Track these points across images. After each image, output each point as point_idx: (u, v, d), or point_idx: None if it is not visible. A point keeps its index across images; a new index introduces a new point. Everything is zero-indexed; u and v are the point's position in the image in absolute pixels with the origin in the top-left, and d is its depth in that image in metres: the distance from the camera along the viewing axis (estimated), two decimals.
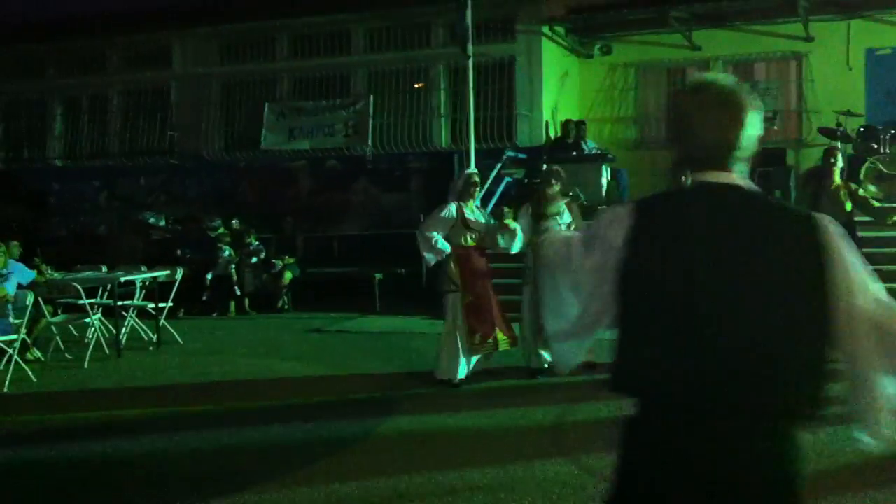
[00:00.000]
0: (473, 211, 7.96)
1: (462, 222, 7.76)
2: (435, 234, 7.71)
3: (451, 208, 7.73)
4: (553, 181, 8.10)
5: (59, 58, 18.60)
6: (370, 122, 15.56)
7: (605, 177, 13.79)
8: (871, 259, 7.65)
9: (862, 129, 12.76)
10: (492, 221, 8.13)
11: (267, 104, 16.38)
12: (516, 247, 8.12)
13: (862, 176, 12.13)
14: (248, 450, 5.97)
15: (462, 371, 7.70)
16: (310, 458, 5.77)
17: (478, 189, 8.30)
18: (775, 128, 15.55)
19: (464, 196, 7.89)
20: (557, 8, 15.52)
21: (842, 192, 8.34)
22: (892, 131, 12.39)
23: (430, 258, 7.83)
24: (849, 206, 8.29)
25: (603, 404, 6.93)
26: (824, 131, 13.19)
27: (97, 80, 18.27)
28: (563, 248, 2.40)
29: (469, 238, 7.82)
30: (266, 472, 5.49)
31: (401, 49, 16.01)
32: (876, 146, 12.39)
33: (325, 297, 13.27)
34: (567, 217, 8.06)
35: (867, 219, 8.75)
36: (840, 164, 8.49)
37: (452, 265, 7.65)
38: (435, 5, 14.98)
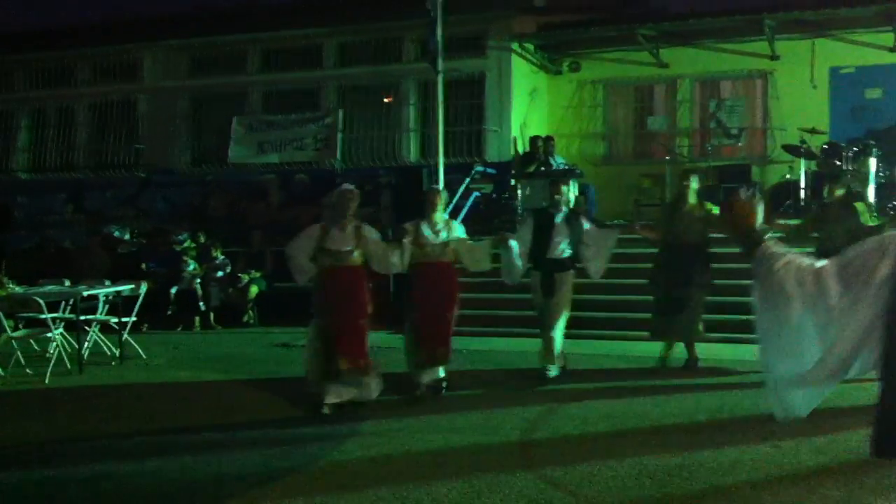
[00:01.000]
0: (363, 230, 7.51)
1: (319, 242, 7.29)
2: (299, 256, 7.31)
3: (314, 229, 7.28)
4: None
5: (26, 69, 18.43)
6: (340, 136, 15.54)
7: (574, 192, 13.86)
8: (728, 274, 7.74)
9: (826, 147, 12.94)
10: (477, 239, 8.33)
11: (235, 118, 16.32)
12: (514, 276, 8.39)
13: (826, 193, 12.27)
14: (210, 468, 5.87)
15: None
16: (272, 476, 5.70)
17: (439, 204, 8.01)
18: (740, 144, 15.78)
19: (336, 216, 7.36)
20: (527, 25, 15.63)
21: (696, 214, 8.81)
22: (855, 149, 12.57)
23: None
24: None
25: (569, 419, 6.95)
26: (789, 148, 13.37)
27: (64, 92, 18.13)
28: (810, 279, 2.10)
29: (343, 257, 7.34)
30: (227, 491, 5.41)
31: (371, 64, 16.03)
32: (839, 163, 12.56)
33: (292, 311, 13.14)
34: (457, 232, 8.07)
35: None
36: (694, 185, 8.89)
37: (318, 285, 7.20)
38: (405, 20, 15.02)
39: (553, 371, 8.43)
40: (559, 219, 8.48)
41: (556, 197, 8.58)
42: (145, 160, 17.18)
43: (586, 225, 8.58)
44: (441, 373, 7.95)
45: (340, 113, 15.68)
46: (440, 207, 8.03)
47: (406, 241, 7.69)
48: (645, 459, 5.75)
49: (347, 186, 7.52)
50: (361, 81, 16.05)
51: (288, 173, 15.43)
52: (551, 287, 8.37)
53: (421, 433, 6.70)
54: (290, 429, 6.88)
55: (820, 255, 8.22)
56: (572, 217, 8.56)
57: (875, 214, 9.53)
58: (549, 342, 8.44)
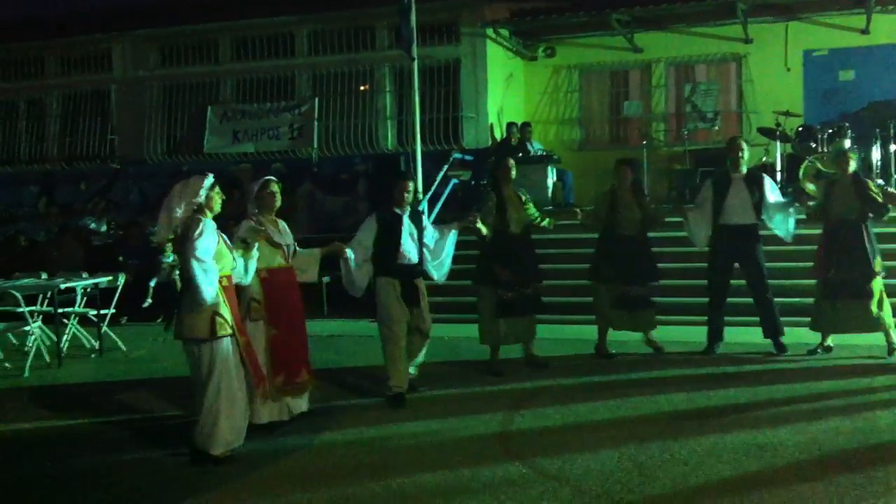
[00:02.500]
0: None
1: (267, 240, 6.48)
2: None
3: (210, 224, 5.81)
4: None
5: None
6: (315, 124, 15.46)
7: (551, 178, 13.90)
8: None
9: (800, 129, 13.03)
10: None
11: (210, 107, 16.19)
12: (356, 287, 7.33)
13: (801, 175, 12.39)
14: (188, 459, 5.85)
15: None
16: (256, 465, 5.69)
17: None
18: (716, 128, 15.86)
19: (263, 207, 6.67)
20: (500, 11, 15.58)
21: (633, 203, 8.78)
22: (830, 131, 12.68)
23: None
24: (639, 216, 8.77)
25: (552, 408, 6.98)
26: (764, 131, 13.45)
27: (35, 83, 17.89)
28: None
29: (279, 258, 6.61)
30: (210, 481, 5.40)
31: (345, 51, 15.92)
32: (814, 145, 12.66)
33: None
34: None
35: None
36: (630, 176, 8.81)
37: (221, 301, 5.73)
38: (379, 8, 14.93)
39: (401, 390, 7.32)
40: (407, 219, 7.50)
41: (405, 195, 7.48)
42: (118, 151, 17.01)
43: (428, 224, 7.77)
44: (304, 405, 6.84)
45: (316, 101, 15.59)
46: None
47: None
48: (628, 446, 5.80)
49: (271, 177, 6.91)
50: (335, 69, 15.95)
51: (263, 163, 15.33)
52: (414, 295, 7.44)
53: (401, 421, 6.71)
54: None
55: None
56: (416, 216, 7.64)
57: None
58: (399, 361, 7.32)
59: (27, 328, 9.64)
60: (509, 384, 7.83)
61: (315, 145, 15.39)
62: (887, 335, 8.34)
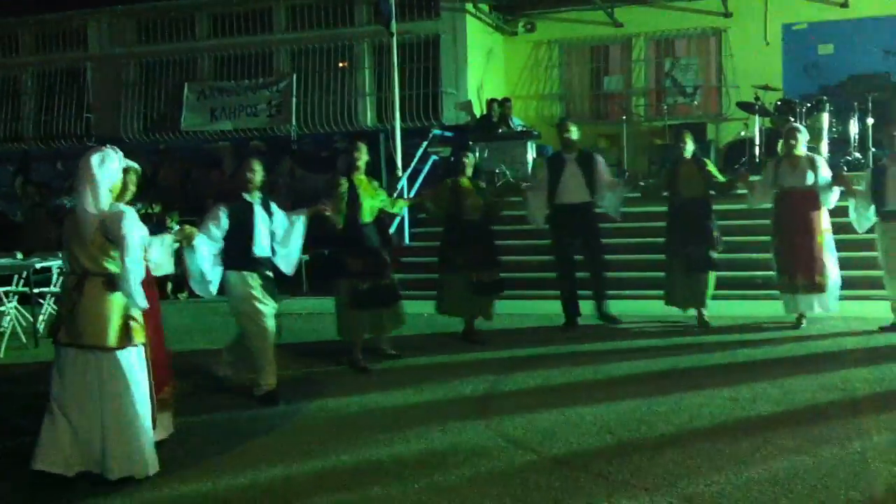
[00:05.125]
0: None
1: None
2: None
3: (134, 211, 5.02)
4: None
5: None
6: (294, 101, 15.34)
7: (532, 154, 13.86)
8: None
9: (779, 103, 13.02)
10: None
11: (187, 84, 16.03)
12: (206, 288, 6.49)
13: (780, 149, 12.38)
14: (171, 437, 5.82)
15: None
16: (232, 442, 5.67)
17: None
18: (695, 103, 15.85)
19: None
20: None
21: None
22: (809, 105, 12.68)
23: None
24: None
25: (531, 380, 6.99)
26: (743, 106, 13.44)
27: (9, 61, 17.70)
28: None
29: None
30: (187, 457, 5.37)
31: (323, 27, 15.80)
32: (793, 119, 12.65)
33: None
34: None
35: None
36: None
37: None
38: None
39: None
40: (258, 207, 6.71)
41: (249, 174, 6.66)
42: (94, 130, 16.84)
43: (277, 211, 6.91)
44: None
45: (294, 78, 15.46)
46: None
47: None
48: (604, 414, 5.81)
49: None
50: (314, 45, 15.82)
51: (242, 140, 15.22)
52: (272, 292, 6.73)
53: (378, 393, 6.71)
54: (245, 396, 6.83)
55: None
56: (267, 202, 6.79)
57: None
58: (270, 357, 6.70)
59: (2, 308, 9.54)
60: (486, 354, 7.87)
61: (294, 122, 15.27)
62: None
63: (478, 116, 15.07)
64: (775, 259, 8.76)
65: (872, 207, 8.34)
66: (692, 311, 8.93)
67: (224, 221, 6.49)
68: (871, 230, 8.58)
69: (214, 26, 16.51)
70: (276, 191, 13.90)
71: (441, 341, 8.68)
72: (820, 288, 8.40)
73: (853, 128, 12.56)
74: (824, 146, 12.23)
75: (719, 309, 9.14)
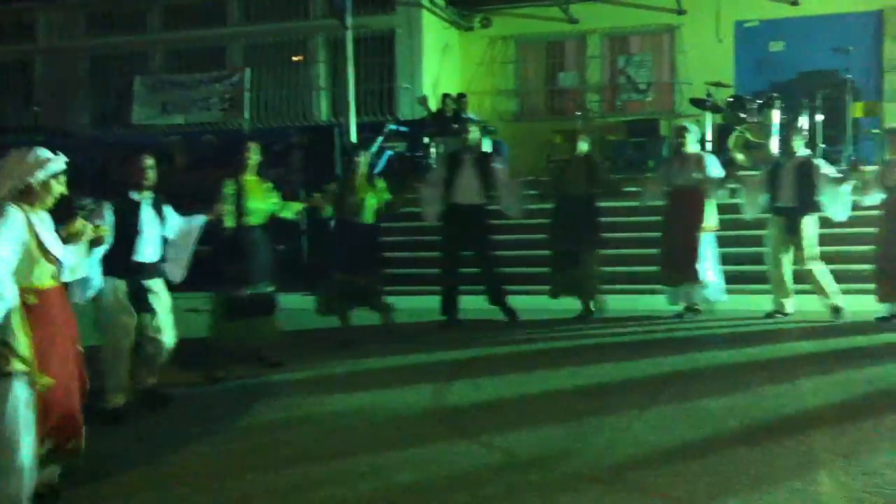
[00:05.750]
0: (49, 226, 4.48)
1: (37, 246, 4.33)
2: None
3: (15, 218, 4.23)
4: None
5: None
6: (247, 95, 15.16)
7: (487, 149, 13.83)
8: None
9: (731, 100, 13.15)
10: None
11: (137, 77, 15.78)
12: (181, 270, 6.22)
13: (731, 145, 12.53)
14: (113, 435, 5.69)
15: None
16: (185, 441, 5.55)
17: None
18: (649, 99, 15.97)
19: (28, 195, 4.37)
20: None
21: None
22: (760, 101, 12.81)
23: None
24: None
25: (485, 378, 6.95)
26: (695, 102, 13.55)
27: None
28: None
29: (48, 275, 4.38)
30: (136, 457, 5.26)
31: (277, 21, 15.65)
32: (744, 116, 12.79)
33: (202, 275, 12.84)
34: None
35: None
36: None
37: (15, 326, 4.16)
38: None
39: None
40: (147, 206, 6.04)
41: (145, 175, 6.02)
42: (43, 123, 16.51)
43: (170, 213, 6.28)
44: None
45: (248, 72, 15.28)
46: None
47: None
48: (562, 415, 5.79)
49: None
50: (268, 39, 15.67)
51: (194, 134, 15.02)
52: (144, 300, 6.06)
53: (334, 395, 6.60)
54: (198, 389, 6.72)
55: None
56: (158, 203, 6.16)
57: None
58: (122, 375, 6.04)
59: None
60: (441, 354, 7.81)
61: (247, 116, 15.11)
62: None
63: (433, 111, 15.02)
64: (660, 253, 9.00)
65: (764, 198, 8.72)
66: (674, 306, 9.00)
67: (109, 220, 5.75)
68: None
69: (167, 19, 16.27)
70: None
71: (398, 336, 8.61)
72: (696, 280, 8.62)
73: (803, 124, 12.71)
74: (774, 142, 12.38)
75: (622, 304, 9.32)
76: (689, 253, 8.57)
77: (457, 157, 9.00)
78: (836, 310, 8.43)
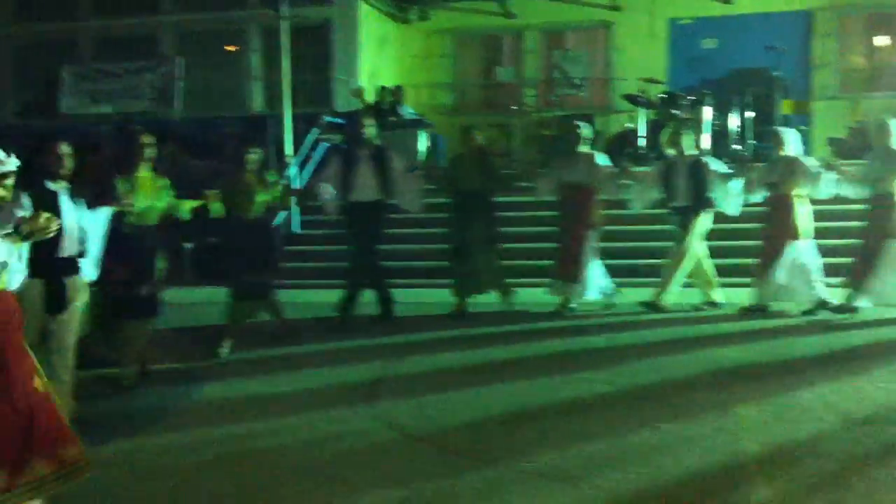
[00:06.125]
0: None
1: None
2: None
3: None
4: None
5: None
6: (179, 84, 14.88)
7: (424, 142, 13.80)
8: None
9: (664, 96, 13.31)
10: None
11: (65, 66, 15.37)
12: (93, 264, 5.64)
13: (663, 140, 12.66)
14: None
15: None
16: (105, 435, 5.43)
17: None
18: (584, 95, 16.08)
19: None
20: None
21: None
22: (692, 98, 12.99)
23: None
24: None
25: (414, 367, 6.96)
26: (629, 98, 13.69)
27: None
28: None
29: None
30: None
31: (211, 9, 15.38)
32: (676, 112, 12.95)
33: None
34: None
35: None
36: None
37: None
38: None
39: None
40: (65, 198, 5.47)
41: (61, 163, 5.49)
42: None
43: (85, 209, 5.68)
44: None
45: (180, 61, 14.99)
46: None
47: None
48: (490, 403, 5.81)
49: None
50: (201, 28, 15.39)
51: (124, 125, 14.68)
52: (60, 301, 5.46)
53: (258, 382, 6.58)
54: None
55: None
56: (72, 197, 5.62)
57: None
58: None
59: None
60: (368, 341, 7.82)
61: (179, 106, 14.82)
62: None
63: (370, 104, 14.92)
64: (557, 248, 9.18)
65: (653, 195, 9.08)
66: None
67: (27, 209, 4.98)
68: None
69: (96, 6, 15.88)
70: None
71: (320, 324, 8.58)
72: (572, 278, 8.85)
73: (734, 121, 12.93)
74: (705, 139, 12.56)
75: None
76: (571, 251, 8.82)
77: (353, 153, 8.90)
78: (654, 306, 8.84)
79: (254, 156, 7.94)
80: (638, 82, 13.69)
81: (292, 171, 12.58)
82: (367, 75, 15.32)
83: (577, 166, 8.98)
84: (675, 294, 8.94)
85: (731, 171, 9.13)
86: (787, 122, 13.37)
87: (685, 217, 8.84)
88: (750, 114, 12.76)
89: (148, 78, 14.97)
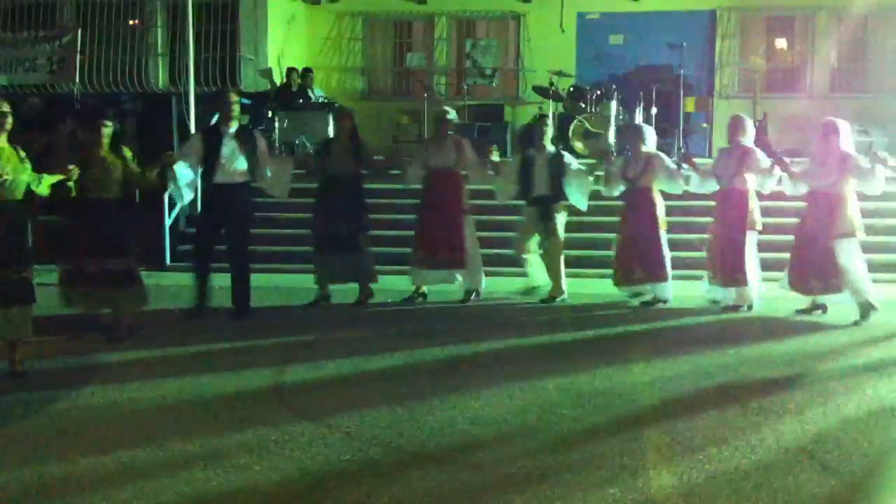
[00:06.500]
0: None
1: None
2: None
3: None
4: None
5: None
6: (78, 57, 14.31)
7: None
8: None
9: (571, 89, 13.51)
10: None
11: None
12: None
13: (571, 133, 12.87)
14: None
15: None
16: None
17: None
18: (494, 85, 16.19)
19: None
20: None
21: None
22: (598, 92, 13.23)
23: None
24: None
25: (325, 360, 6.88)
26: (538, 90, 13.85)
27: None
28: None
29: None
30: None
31: None
32: (584, 105, 13.18)
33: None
34: None
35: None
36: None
37: None
38: None
39: None
40: None
41: None
42: None
43: None
44: None
45: (79, 32, 14.41)
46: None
47: None
48: (400, 394, 5.78)
49: None
50: None
51: (18, 97, 14.07)
52: None
53: (154, 384, 6.20)
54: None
55: None
56: None
57: None
58: None
59: None
60: (276, 338, 7.68)
61: (77, 80, 14.27)
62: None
63: (278, 85, 14.70)
64: (414, 234, 9.18)
65: (515, 187, 9.16)
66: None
67: None
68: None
69: None
70: (55, 152, 12.98)
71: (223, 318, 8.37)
72: (451, 264, 8.93)
73: (638, 116, 13.21)
74: (611, 133, 12.81)
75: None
76: (448, 236, 8.84)
77: (216, 130, 8.33)
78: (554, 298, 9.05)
79: (107, 128, 7.36)
80: (547, 74, 13.84)
81: None
82: (276, 55, 15.06)
83: (445, 151, 8.95)
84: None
85: (582, 166, 9.41)
86: (688, 119, 13.79)
87: (543, 207, 8.98)
88: (654, 110, 13.03)
89: (46, 49, 14.32)
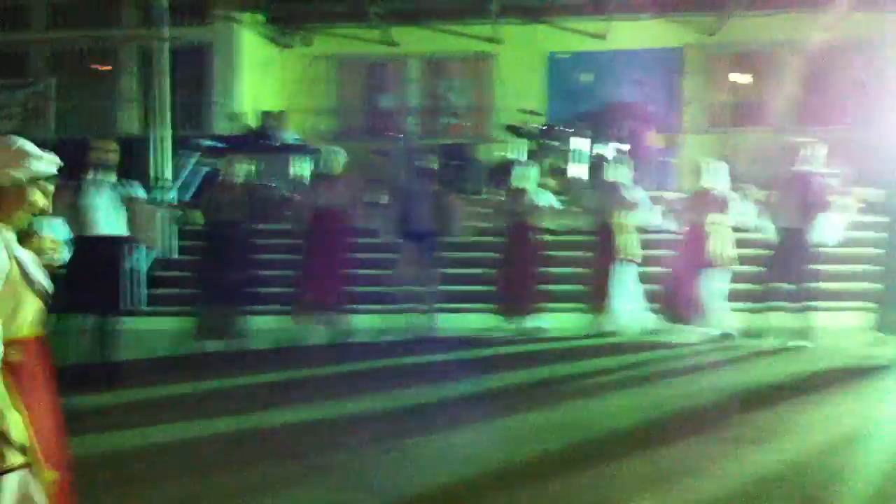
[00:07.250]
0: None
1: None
2: None
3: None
4: None
5: None
6: (52, 105, 14.35)
7: (306, 167, 13.71)
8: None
9: (543, 128, 13.68)
10: None
11: None
12: None
13: (544, 170, 13.01)
14: None
15: None
16: None
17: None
18: (466, 124, 16.39)
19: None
20: None
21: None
22: (570, 130, 13.40)
23: None
24: None
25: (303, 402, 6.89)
26: (509, 128, 14.02)
27: None
28: None
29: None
30: None
31: (87, 27, 14.93)
32: (556, 143, 13.34)
33: None
34: None
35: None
36: None
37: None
38: None
39: None
40: None
41: None
42: None
43: None
44: None
45: (53, 80, 14.47)
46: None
47: None
48: (387, 437, 5.81)
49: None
50: (76, 46, 14.92)
51: None
52: None
53: (140, 427, 6.34)
54: None
55: None
56: None
57: None
58: None
59: None
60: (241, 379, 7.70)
61: (52, 127, 14.29)
62: None
63: (252, 128, 14.76)
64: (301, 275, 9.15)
65: (396, 224, 9.43)
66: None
67: None
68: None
69: None
70: None
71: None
72: (322, 308, 8.96)
73: (609, 152, 13.38)
74: (583, 169, 12.98)
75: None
76: (328, 278, 8.87)
77: (93, 182, 7.53)
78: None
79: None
80: (519, 113, 14.01)
81: (171, 194, 12.30)
82: (250, 99, 15.15)
83: (332, 190, 9.03)
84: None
85: (557, 204, 9.74)
86: (656, 155, 14.00)
87: (423, 242, 9.21)
88: (625, 146, 13.22)
89: (19, 97, 14.37)
